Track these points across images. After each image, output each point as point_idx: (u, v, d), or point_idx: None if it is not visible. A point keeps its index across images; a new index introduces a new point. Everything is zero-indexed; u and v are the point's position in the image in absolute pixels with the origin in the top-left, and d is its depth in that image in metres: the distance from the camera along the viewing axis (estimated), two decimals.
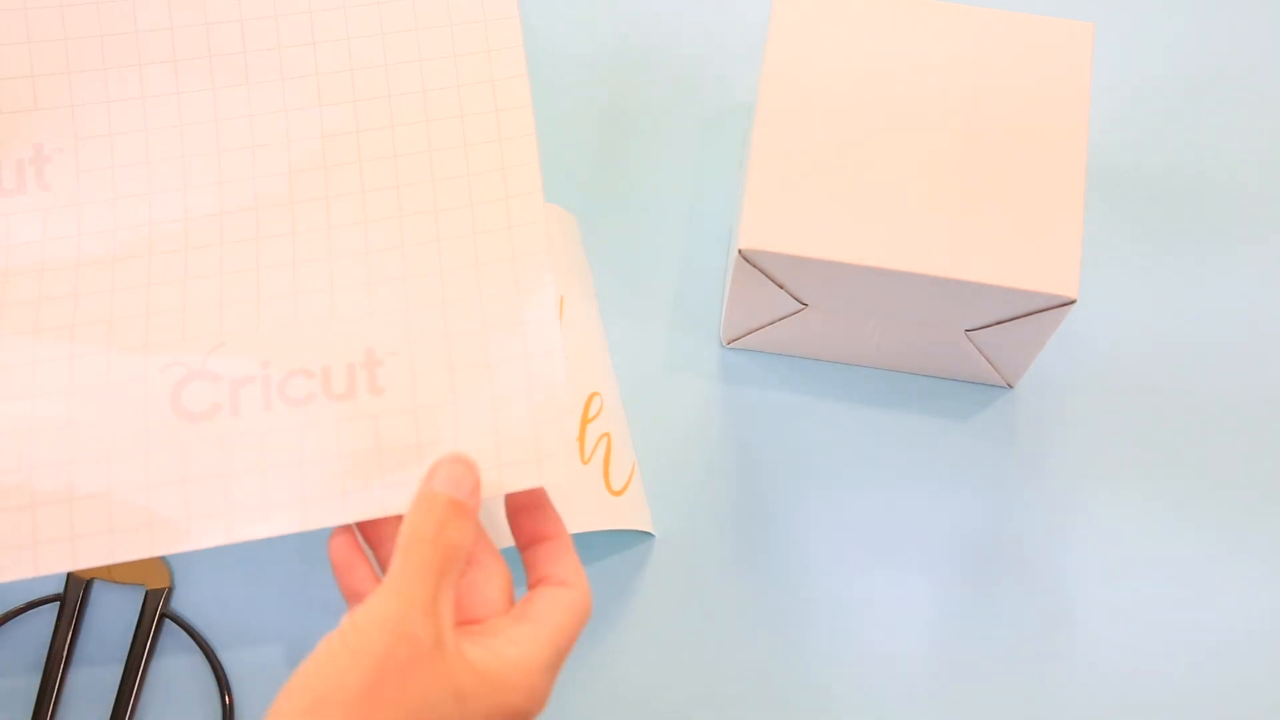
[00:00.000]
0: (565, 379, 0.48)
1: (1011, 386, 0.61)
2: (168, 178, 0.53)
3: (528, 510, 0.46)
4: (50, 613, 0.55)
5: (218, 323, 0.50)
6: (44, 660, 0.54)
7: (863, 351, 0.60)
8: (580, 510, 0.55)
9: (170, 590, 0.55)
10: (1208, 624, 0.57)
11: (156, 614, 0.55)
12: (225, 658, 0.55)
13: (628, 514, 0.56)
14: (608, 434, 0.57)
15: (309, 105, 0.54)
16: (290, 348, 0.49)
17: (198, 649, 0.55)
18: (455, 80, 0.54)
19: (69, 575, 0.55)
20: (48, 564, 0.46)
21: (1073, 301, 0.52)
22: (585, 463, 0.56)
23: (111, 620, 0.55)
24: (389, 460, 0.47)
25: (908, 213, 0.53)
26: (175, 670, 0.55)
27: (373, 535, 0.46)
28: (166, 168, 0.54)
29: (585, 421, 0.57)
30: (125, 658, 0.54)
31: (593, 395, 0.58)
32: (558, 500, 0.48)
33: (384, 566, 0.46)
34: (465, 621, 0.43)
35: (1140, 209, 0.65)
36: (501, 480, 0.47)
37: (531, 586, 0.45)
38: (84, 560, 0.46)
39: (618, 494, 0.56)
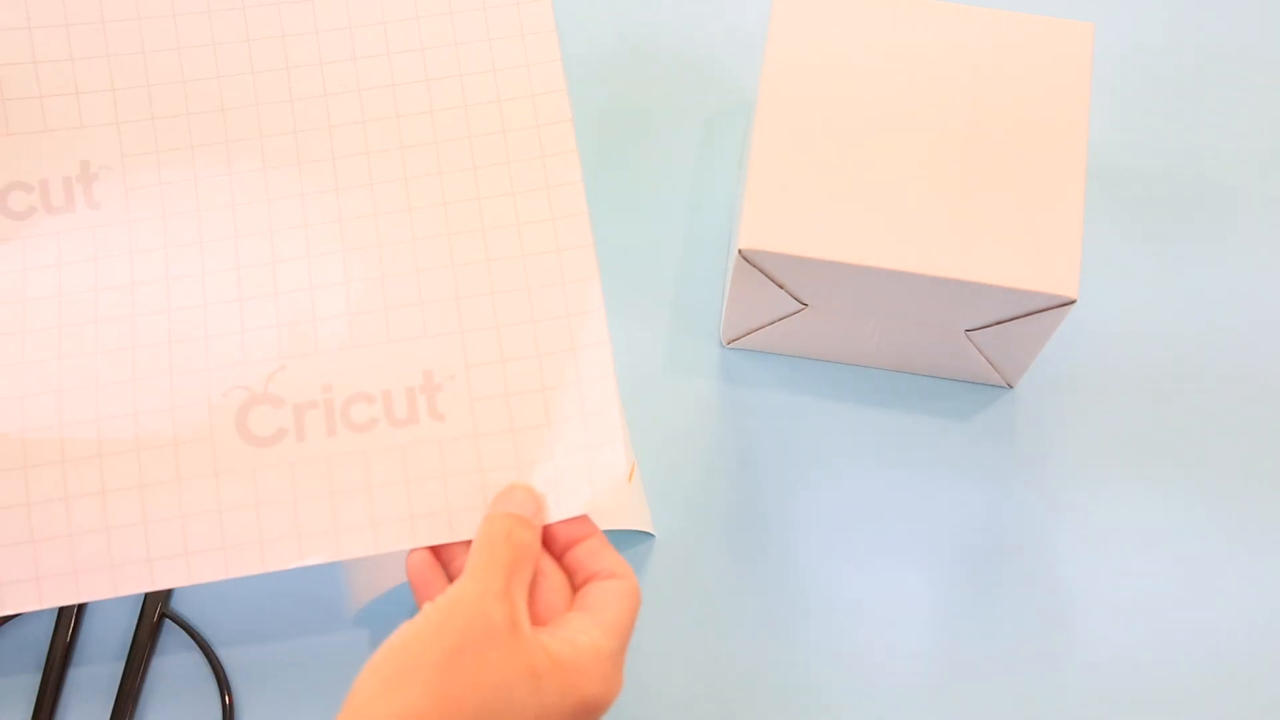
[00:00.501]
0: (617, 404, 0.50)
1: (1011, 386, 0.61)
2: (215, 192, 0.53)
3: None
4: (50, 613, 0.55)
5: (275, 345, 0.51)
6: (44, 660, 0.54)
7: (863, 351, 0.60)
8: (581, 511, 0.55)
9: (170, 590, 0.55)
10: (1209, 622, 0.57)
11: (156, 614, 0.55)
12: (225, 658, 0.55)
13: (627, 514, 0.56)
14: None
15: (353, 121, 0.54)
16: (349, 372, 0.50)
17: (197, 649, 0.55)
18: (495, 95, 0.54)
19: None
20: (127, 585, 0.47)
21: (1073, 301, 0.52)
22: None
23: (111, 620, 0.55)
24: (454, 485, 0.49)
25: (908, 213, 0.53)
26: (175, 670, 0.55)
27: (443, 554, 0.47)
28: (212, 183, 0.53)
29: None
30: (125, 657, 0.54)
31: None
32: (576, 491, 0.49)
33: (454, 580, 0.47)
34: (532, 623, 0.44)
35: (1140, 209, 0.65)
36: (560, 506, 0.48)
37: (579, 587, 0.46)
38: (161, 582, 0.47)
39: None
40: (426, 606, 0.42)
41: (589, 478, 0.49)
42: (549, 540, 0.47)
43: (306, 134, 0.54)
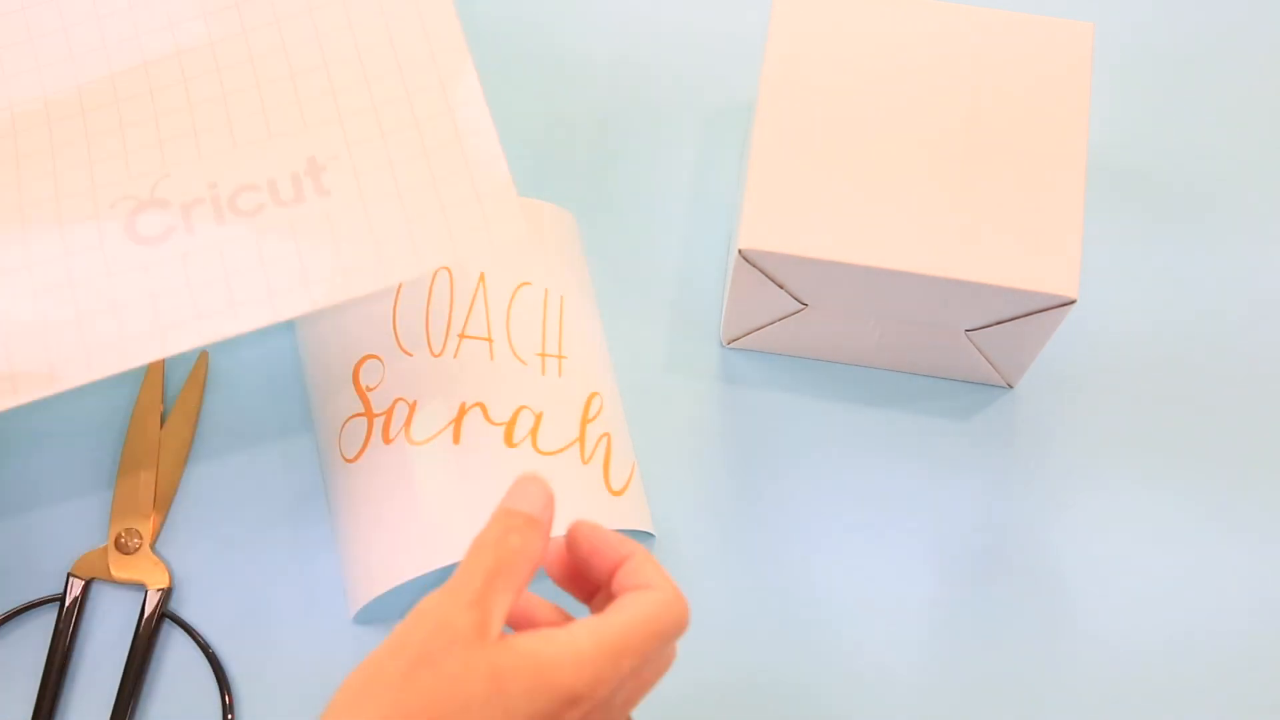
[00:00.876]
0: (501, 154, 0.52)
1: (1011, 386, 0.61)
2: (86, 38, 0.57)
3: (594, 553, 0.44)
4: (50, 613, 0.55)
5: (159, 159, 0.54)
6: (44, 660, 0.54)
7: (863, 351, 0.60)
8: (581, 511, 0.54)
9: (170, 590, 0.55)
10: (1210, 620, 0.57)
11: (156, 614, 0.55)
12: (225, 658, 0.55)
13: (628, 514, 0.56)
14: (608, 434, 0.57)
15: None
16: (233, 168, 0.53)
17: (197, 649, 0.55)
18: None
19: (68, 575, 0.55)
20: (27, 394, 0.49)
21: (1073, 301, 0.52)
22: (585, 463, 0.56)
23: (111, 620, 0.55)
24: (345, 248, 0.51)
25: (907, 213, 0.53)
26: (175, 670, 0.55)
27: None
28: (82, 29, 0.57)
29: (585, 421, 0.57)
30: (125, 658, 0.54)
31: (593, 395, 0.57)
32: (564, 499, 0.47)
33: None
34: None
35: (1140, 209, 0.65)
36: (456, 251, 0.51)
37: None
38: (60, 382, 0.49)
39: (618, 494, 0.56)
40: (397, 625, 0.41)
41: (483, 219, 0.51)
42: (593, 576, 0.44)
43: None
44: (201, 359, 0.60)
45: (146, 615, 0.55)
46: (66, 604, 0.55)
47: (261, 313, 0.50)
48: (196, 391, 0.59)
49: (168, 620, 0.55)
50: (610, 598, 0.43)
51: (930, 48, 0.56)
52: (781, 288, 0.55)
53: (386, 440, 0.55)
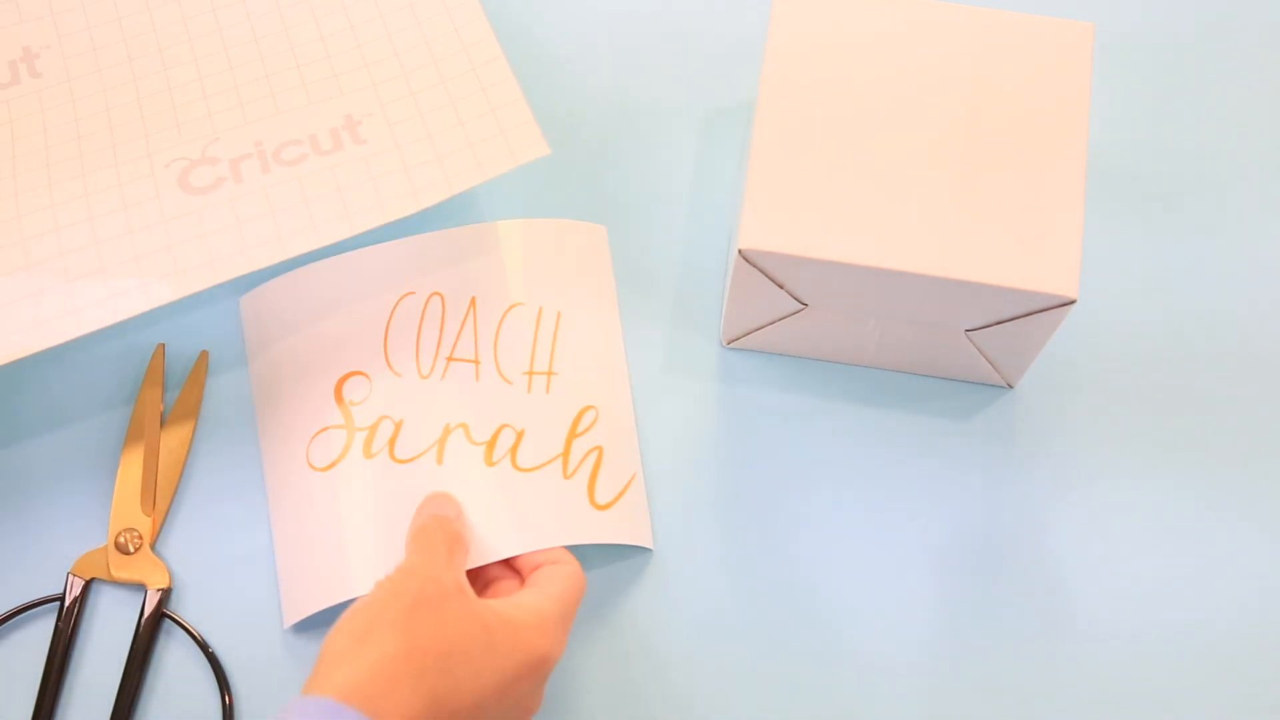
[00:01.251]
0: (511, 74, 0.59)
1: (1011, 386, 0.61)
2: (138, 19, 0.64)
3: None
4: (50, 613, 0.55)
5: (209, 124, 0.60)
6: (44, 660, 0.54)
7: (863, 351, 0.60)
8: (561, 523, 0.55)
9: (170, 590, 0.55)
10: (1210, 620, 0.57)
11: (156, 614, 0.55)
12: (225, 658, 0.55)
13: (613, 528, 0.56)
14: (599, 448, 0.57)
15: None
16: (277, 129, 0.59)
17: (197, 649, 0.55)
18: None
19: (69, 575, 0.55)
20: (91, 323, 0.54)
21: (1073, 301, 0.52)
22: (568, 477, 0.57)
23: (111, 620, 0.55)
24: (382, 184, 0.57)
25: (908, 213, 0.53)
26: (175, 670, 0.55)
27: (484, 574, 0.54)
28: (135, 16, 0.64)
29: (572, 436, 0.57)
30: (125, 658, 0.54)
31: (585, 409, 0.58)
32: (541, 513, 0.55)
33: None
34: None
35: (1140, 209, 0.65)
36: (484, 173, 0.57)
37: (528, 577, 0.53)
38: (123, 311, 0.54)
39: (603, 508, 0.56)
40: (384, 578, 0.46)
41: (498, 128, 0.58)
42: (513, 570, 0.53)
43: None
44: (202, 358, 0.60)
45: (146, 615, 0.55)
46: (66, 604, 0.55)
47: (307, 239, 0.56)
48: (196, 391, 0.59)
49: (167, 620, 0.55)
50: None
51: (930, 48, 0.56)
52: (781, 288, 0.55)
53: (368, 455, 0.57)
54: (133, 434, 0.58)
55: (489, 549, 0.54)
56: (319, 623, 0.55)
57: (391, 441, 0.57)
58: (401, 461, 0.56)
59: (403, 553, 0.51)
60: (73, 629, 0.54)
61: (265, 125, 0.60)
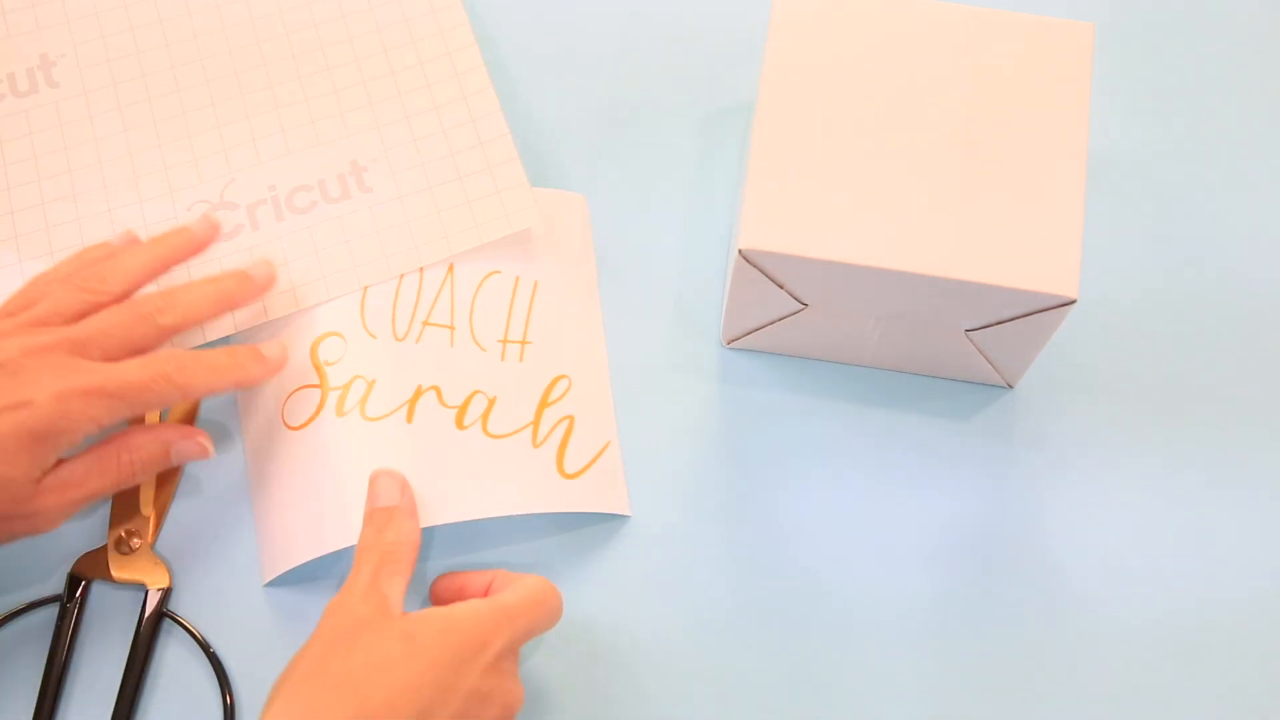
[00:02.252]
0: (516, 156, 0.62)
1: (1011, 386, 0.61)
2: (154, 47, 0.66)
3: (464, 588, 0.54)
4: (51, 613, 0.55)
5: (225, 165, 0.63)
6: (44, 660, 0.54)
7: (863, 351, 0.60)
8: (528, 491, 0.56)
9: (170, 590, 0.55)
10: (1211, 625, 0.57)
11: (157, 614, 0.55)
12: (225, 658, 0.55)
13: (581, 497, 0.57)
14: (570, 417, 0.58)
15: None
16: (289, 172, 0.63)
17: (198, 648, 0.55)
18: None
19: (69, 575, 0.55)
20: None
21: (1073, 301, 0.52)
22: (537, 446, 0.57)
23: (112, 620, 0.55)
24: (387, 237, 0.61)
25: (908, 213, 0.53)
26: (175, 670, 0.55)
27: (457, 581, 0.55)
28: (148, 32, 0.66)
29: (543, 405, 0.58)
30: (126, 658, 0.54)
31: (558, 378, 0.59)
32: (508, 480, 0.56)
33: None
34: None
35: (1140, 209, 0.65)
36: (480, 235, 0.61)
37: None
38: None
39: (572, 476, 0.57)
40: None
41: (503, 210, 0.61)
42: (472, 593, 0.53)
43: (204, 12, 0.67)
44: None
45: (147, 615, 0.55)
46: (66, 604, 0.55)
47: (317, 292, 0.60)
48: None
49: (167, 620, 0.55)
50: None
51: (930, 48, 0.56)
52: (781, 288, 0.55)
53: (340, 414, 0.57)
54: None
55: (455, 511, 0.55)
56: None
57: (363, 400, 0.57)
58: (372, 419, 0.57)
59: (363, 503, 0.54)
60: (73, 629, 0.54)
61: (278, 167, 0.63)
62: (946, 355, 0.58)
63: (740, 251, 0.53)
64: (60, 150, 0.63)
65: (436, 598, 0.54)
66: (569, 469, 0.57)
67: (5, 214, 0.62)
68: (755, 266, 0.54)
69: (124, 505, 0.56)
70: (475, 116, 0.63)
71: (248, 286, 0.58)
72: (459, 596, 0.53)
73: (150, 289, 0.57)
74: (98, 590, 0.56)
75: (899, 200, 0.53)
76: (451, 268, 0.61)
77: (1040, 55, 0.56)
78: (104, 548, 0.56)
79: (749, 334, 0.60)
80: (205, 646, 0.55)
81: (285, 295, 0.60)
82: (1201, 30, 0.69)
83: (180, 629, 0.55)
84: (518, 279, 0.61)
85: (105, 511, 0.57)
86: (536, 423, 0.58)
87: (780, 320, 0.58)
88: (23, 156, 0.63)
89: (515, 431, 0.58)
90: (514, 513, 0.56)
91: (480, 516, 0.55)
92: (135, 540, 0.56)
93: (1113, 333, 0.62)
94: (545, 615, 0.50)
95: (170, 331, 0.54)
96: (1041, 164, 0.54)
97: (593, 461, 0.58)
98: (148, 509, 0.56)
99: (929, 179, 0.53)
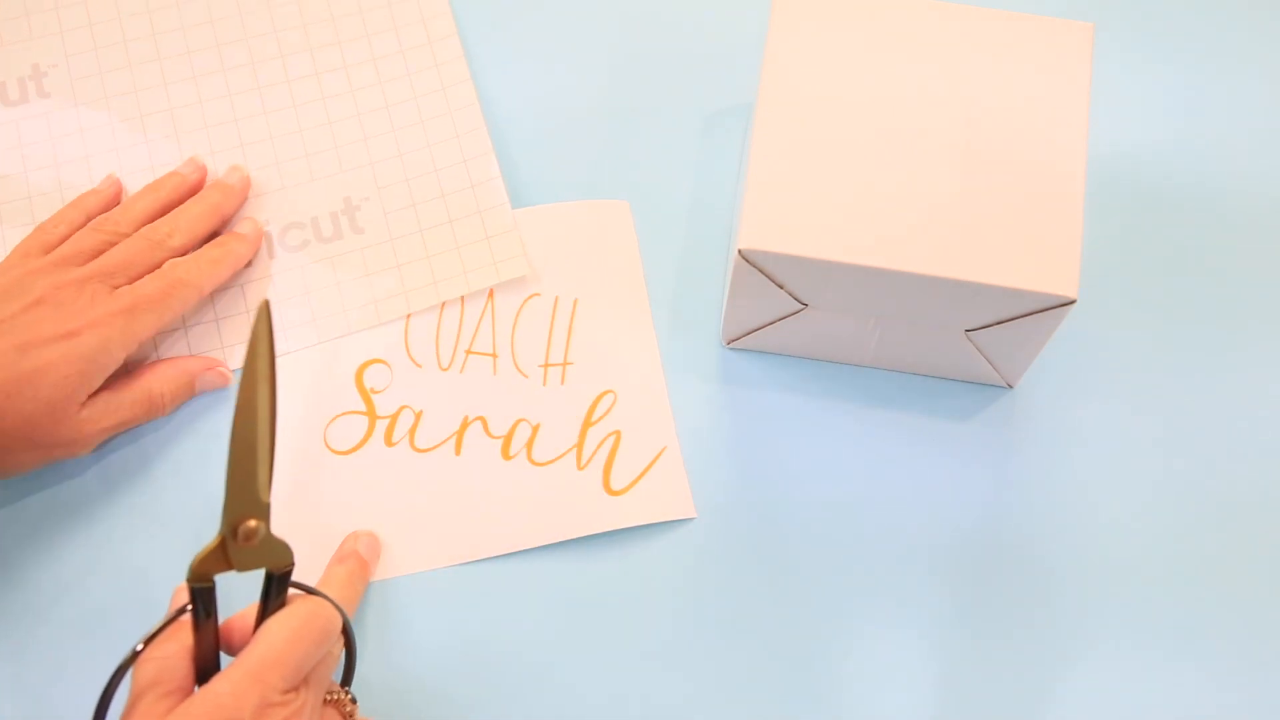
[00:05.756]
0: (507, 199, 0.63)
1: (1011, 386, 0.61)
2: (149, 78, 0.65)
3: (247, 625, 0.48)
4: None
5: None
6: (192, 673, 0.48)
7: (863, 351, 0.60)
8: (573, 515, 0.57)
9: (292, 569, 0.48)
10: (1209, 628, 0.57)
11: (284, 591, 0.47)
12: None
13: (633, 511, 0.57)
14: (617, 432, 0.59)
15: (262, 7, 0.67)
16: (282, 207, 0.63)
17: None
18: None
19: (191, 589, 0.46)
20: None
21: (1073, 301, 0.52)
22: (582, 468, 0.58)
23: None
24: (378, 281, 0.62)
25: (908, 213, 0.53)
26: None
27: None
28: (148, 69, 0.66)
29: (587, 425, 0.58)
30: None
31: (602, 395, 0.59)
32: (554, 508, 0.57)
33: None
34: None
35: (1140, 209, 0.65)
36: (469, 283, 0.61)
37: None
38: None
39: (619, 493, 0.57)
40: None
41: (490, 257, 0.62)
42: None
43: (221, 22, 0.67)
44: (263, 309, 0.45)
45: (274, 597, 0.47)
46: (198, 608, 0.47)
47: (307, 335, 0.60)
48: (267, 349, 0.45)
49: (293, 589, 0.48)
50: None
51: (930, 48, 0.56)
52: (781, 288, 0.55)
53: (389, 443, 0.59)
54: (243, 407, 0.44)
55: (503, 544, 0.57)
56: None
57: (412, 431, 0.59)
58: (421, 451, 0.59)
59: (414, 535, 0.56)
60: (213, 634, 0.47)
61: (272, 201, 0.63)
62: (946, 355, 0.58)
63: (740, 251, 0.53)
64: (51, 166, 0.63)
65: (229, 644, 0.48)
66: (616, 485, 0.58)
67: None
68: (755, 266, 0.54)
69: (241, 489, 0.45)
70: (467, 157, 0.64)
71: (231, 195, 0.61)
72: (245, 637, 0.47)
73: None
74: (220, 583, 0.47)
75: (899, 200, 0.53)
76: (492, 294, 0.62)
77: (1040, 55, 0.56)
78: (220, 542, 0.46)
79: (749, 334, 0.60)
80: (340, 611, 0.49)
81: (276, 336, 0.56)
82: (1201, 30, 0.69)
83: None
84: (557, 299, 0.62)
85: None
86: (580, 444, 0.59)
87: (780, 320, 0.58)
88: (11, 170, 0.63)
89: (559, 456, 0.58)
90: (563, 539, 0.57)
91: (529, 547, 0.57)
92: (255, 530, 0.45)
93: (1113, 333, 0.62)
94: (310, 646, 0.46)
95: (180, 251, 0.59)
96: (1041, 164, 0.54)
97: (645, 471, 0.58)
98: (266, 491, 0.45)
99: (929, 179, 0.53)
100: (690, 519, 0.58)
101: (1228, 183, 0.65)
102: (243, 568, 0.45)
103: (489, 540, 0.57)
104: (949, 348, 0.58)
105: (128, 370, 0.58)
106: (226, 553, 0.45)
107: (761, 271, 0.54)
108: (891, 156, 0.54)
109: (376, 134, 0.64)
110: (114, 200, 0.61)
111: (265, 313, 0.43)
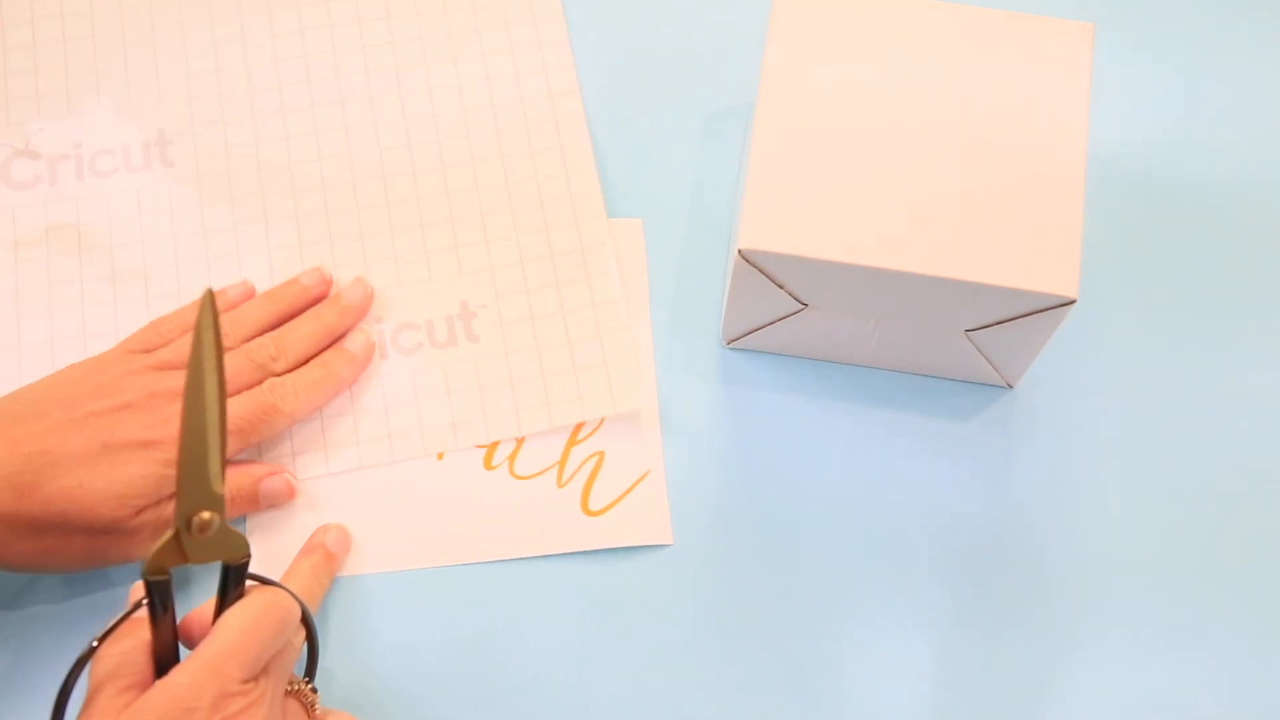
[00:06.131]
0: (628, 323, 0.60)
1: (1011, 386, 0.61)
2: (274, 139, 0.64)
3: (205, 619, 0.47)
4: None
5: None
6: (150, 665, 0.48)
7: (863, 351, 0.60)
8: (549, 532, 0.57)
9: (249, 560, 0.47)
10: (1209, 628, 0.57)
11: (240, 583, 0.47)
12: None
13: (609, 533, 0.57)
14: (600, 453, 0.59)
15: (391, 98, 0.65)
16: (398, 306, 0.60)
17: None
18: (514, 70, 0.66)
19: (146, 581, 0.46)
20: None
21: (1073, 301, 0.52)
22: (561, 486, 0.58)
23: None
24: (489, 396, 0.59)
25: (907, 213, 0.53)
26: None
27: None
28: (268, 123, 0.64)
29: (571, 444, 0.58)
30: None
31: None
32: (530, 522, 0.57)
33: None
34: None
35: (1140, 209, 0.65)
36: (584, 410, 0.58)
37: None
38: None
39: (596, 514, 0.57)
40: None
41: (607, 386, 0.59)
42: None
43: (326, 108, 0.65)
44: (207, 297, 0.43)
45: (233, 589, 0.47)
46: (154, 600, 0.46)
47: (413, 446, 0.58)
48: (214, 336, 0.45)
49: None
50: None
51: (930, 48, 0.56)
52: (781, 288, 0.55)
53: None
54: (191, 397, 0.44)
55: (478, 554, 0.57)
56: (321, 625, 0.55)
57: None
58: (406, 459, 0.58)
59: (389, 535, 0.56)
60: (170, 627, 0.47)
61: (387, 299, 0.60)
62: (946, 355, 0.58)
63: (740, 251, 0.53)
64: (169, 238, 0.61)
65: (187, 638, 0.48)
66: (594, 506, 0.58)
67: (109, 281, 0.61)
68: (755, 266, 0.54)
69: (193, 480, 0.44)
70: (591, 273, 0.61)
71: (348, 315, 0.59)
72: (204, 630, 0.47)
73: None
74: (176, 576, 0.47)
75: (899, 200, 0.53)
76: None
77: (1040, 55, 0.56)
78: (174, 536, 0.45)
79: (749, 334, 0.60)
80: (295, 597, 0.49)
81: (379, 443, 0.58)
82: (1202, 30, 0.69)
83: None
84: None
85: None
86: (563, 462, 0.58)
87: (780, 320, 0.58)
88: (130, 239, 0.61)
89: (541, 472, 0.58)
90: (536, 554, 0.57)
91: (503, 558, 0.57)
92: (209, 521, 0.45)
93: (1113, 333, 0.62)
94: (268, 636, 0.46)
95: (283, 372, 0.57)
96: (1041, 164, 0.54)
97: (625, 494, 0.58)
98: (219, 483, 0.45)
99: (929, 179, 0.53)
100: (669, 544, 0.58)
101: (1228, 182, 0.65)
102: (198, 560, 0.45)
103: (464, 547, 0.57)
104: (949, 348, 0.58)
105: None
106: (181, 545, 0.44)
107: (761, 271, 0.54)
108: (891, 156, 0.54)
109: (499, 237, 0.61)
110: (238, 302, 0.60)
111: (210, 300, 0.42)
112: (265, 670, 0.46)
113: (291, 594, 0.48)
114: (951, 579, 0.57)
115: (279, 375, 0.57)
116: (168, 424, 0.53)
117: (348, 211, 0.62)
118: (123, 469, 0.51)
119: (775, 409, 0.60)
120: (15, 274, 0.61)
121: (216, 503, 0.44)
